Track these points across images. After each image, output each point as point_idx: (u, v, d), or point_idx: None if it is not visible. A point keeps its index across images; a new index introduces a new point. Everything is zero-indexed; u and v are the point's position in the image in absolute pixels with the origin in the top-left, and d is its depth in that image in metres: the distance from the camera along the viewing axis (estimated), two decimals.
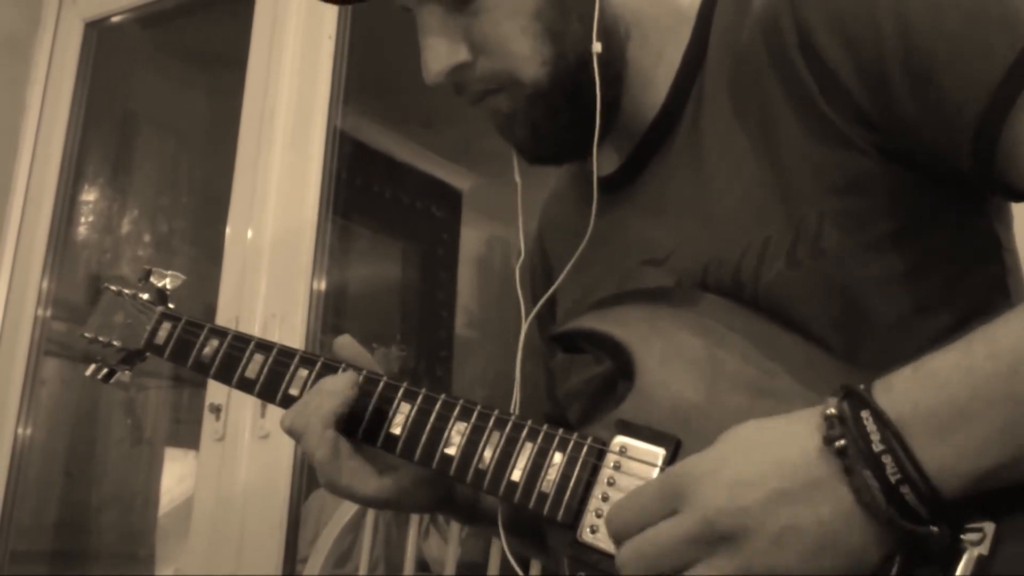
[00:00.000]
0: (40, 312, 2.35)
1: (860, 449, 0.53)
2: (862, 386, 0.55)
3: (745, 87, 0.74)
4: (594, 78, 0.75)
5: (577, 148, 0.80)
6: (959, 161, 0.63)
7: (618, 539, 0.61)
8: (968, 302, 0.69)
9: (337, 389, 0.80)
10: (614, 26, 0.77)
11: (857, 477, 0.53)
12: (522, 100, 0.76)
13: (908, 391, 0.54)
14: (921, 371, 0.55)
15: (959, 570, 0.54)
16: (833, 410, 0.55)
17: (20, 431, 2.32)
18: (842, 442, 0.54)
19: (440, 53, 0.75)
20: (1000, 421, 0.52)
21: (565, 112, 0.77)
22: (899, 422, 0.53)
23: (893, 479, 0.52)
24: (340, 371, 0.83)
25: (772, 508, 0.55)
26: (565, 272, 0.82)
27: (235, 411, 1.88)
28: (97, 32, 2.53)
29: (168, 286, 1.02)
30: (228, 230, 2.05)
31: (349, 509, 1.46)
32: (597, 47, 0.75)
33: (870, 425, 0.53)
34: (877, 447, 0.53)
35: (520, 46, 0.75)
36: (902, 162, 0.67)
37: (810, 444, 0.55)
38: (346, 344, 0.87)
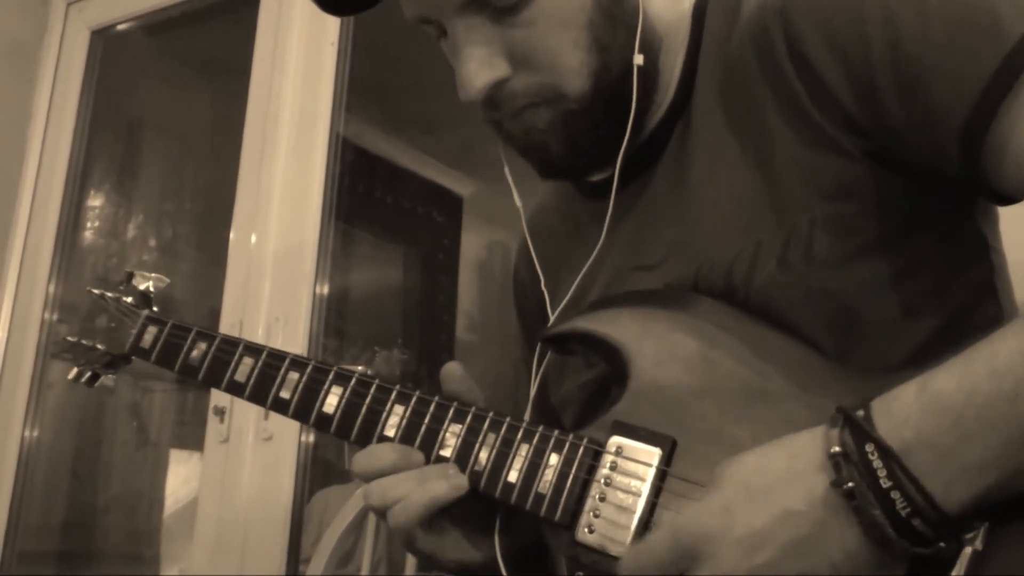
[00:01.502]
0: (47, 316, 2.36)
1: (868, 486, 0.53)
2: (861, 412, 0.55)
3: (735, 95, 0.74)
4: (632, 89, 0.74)
5: (603, 160, 0.78)
6: (947, 166, 0.64)
7: None
8: (957, 303, 0.70)
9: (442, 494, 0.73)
10: (651, 35, 0.76)
11: (866, 516, 0.53)
12: (562, 114, 0.74)
13: (910, 417, 0.54)
14: (923, 395, 0.54)
15: (957, 570, 0.54)
16: (837, 447, 0.54)
17: (27, 433, 2.33)
18: (850, 485, 0.53)
19: (481, 68, 0.72)
20: (1003, 441, 0.52)
21: (603, 125, 0.75)
22: (903, 452, 0.53)
23: (903, 513, 0.52)
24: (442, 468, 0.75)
25: (786, 562, 0.55)
26: (576, 283, 0.81)
27: (239, 413, 1.89)
28: (103, 40, 2.55)
29: (152, 289, 0.98)
30: (232, 235, 2.06)
31: (351, 510, 1.46)
32: (639, 59, 0.74)
33: (876, 461, 0.53)
34: (885, 483, 0.52)
35: (570, 59, 0.72)
36: (891, 167, 0.68)
37: (816, 488, 0.55)
38: (456, 376, 0.79)
